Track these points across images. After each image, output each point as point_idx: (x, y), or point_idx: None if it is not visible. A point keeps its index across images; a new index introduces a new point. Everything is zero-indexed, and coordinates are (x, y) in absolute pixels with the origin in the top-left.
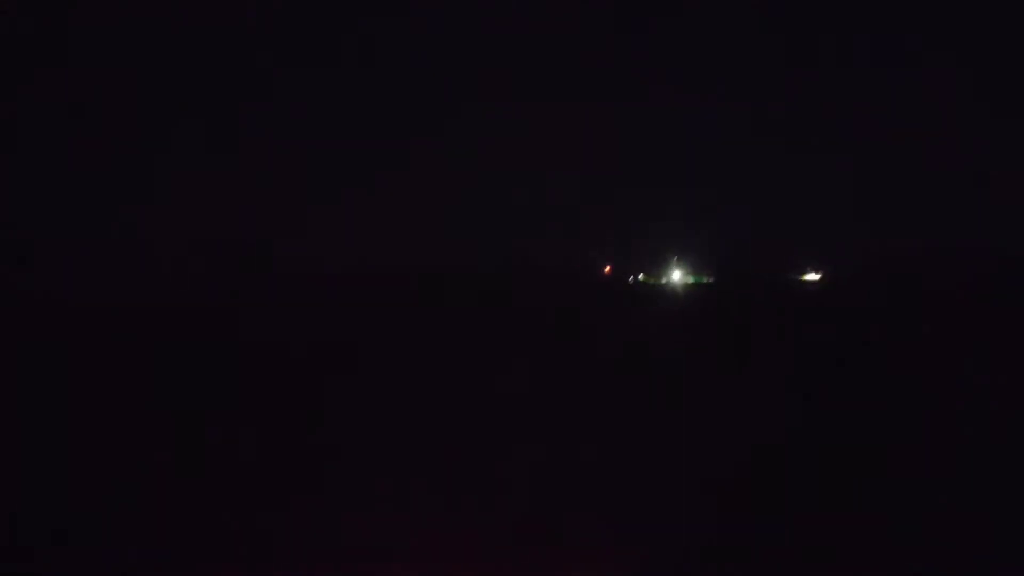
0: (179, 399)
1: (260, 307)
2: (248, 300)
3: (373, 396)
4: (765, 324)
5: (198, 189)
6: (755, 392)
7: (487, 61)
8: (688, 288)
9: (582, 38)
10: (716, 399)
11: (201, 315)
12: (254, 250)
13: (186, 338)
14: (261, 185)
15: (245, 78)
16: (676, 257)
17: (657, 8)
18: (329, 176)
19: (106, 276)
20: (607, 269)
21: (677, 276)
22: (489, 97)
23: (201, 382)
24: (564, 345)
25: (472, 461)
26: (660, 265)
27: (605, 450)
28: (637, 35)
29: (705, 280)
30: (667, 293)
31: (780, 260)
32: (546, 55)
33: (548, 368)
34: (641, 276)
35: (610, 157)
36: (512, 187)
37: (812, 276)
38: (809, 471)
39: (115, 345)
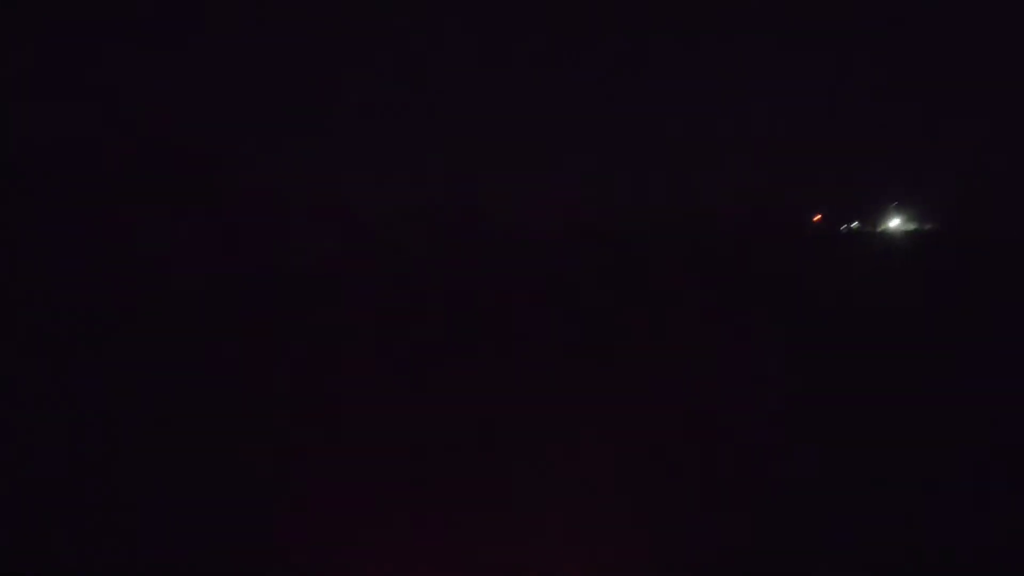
0: None
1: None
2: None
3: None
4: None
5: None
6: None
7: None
8: (908, 236)
9: None
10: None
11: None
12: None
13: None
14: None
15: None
16: (895, 203)
17: None
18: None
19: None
20: (817, 217)
21: (895, 223)
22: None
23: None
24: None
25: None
26: (877, 212)
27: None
28: None
29: (927, 227)
30: (885, 243)
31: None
32: None
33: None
34: (855, 224)
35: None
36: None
37: None
38: None
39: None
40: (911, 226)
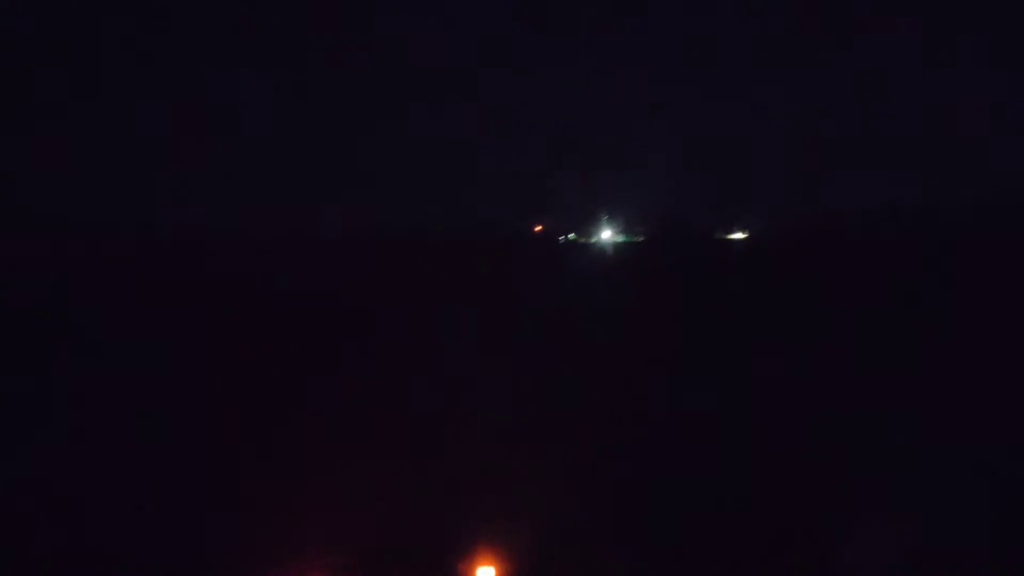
0: None
1: None
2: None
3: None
4: (703, 284)
5: None
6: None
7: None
8: (619, 246)
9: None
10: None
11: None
12: None
13: None
14: None
15: None
16: (606, 216)
17: None
18: None
19: None
20: (537, 228)
21: (608, 235)
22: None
23: None
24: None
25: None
26: (590, 224)
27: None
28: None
29: (636, 238)
30: (598, 252)
31: (708, 217)
32: None
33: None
34: (571, 235)
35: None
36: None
37: (739, 234)
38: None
39: None
40: (621, 236)
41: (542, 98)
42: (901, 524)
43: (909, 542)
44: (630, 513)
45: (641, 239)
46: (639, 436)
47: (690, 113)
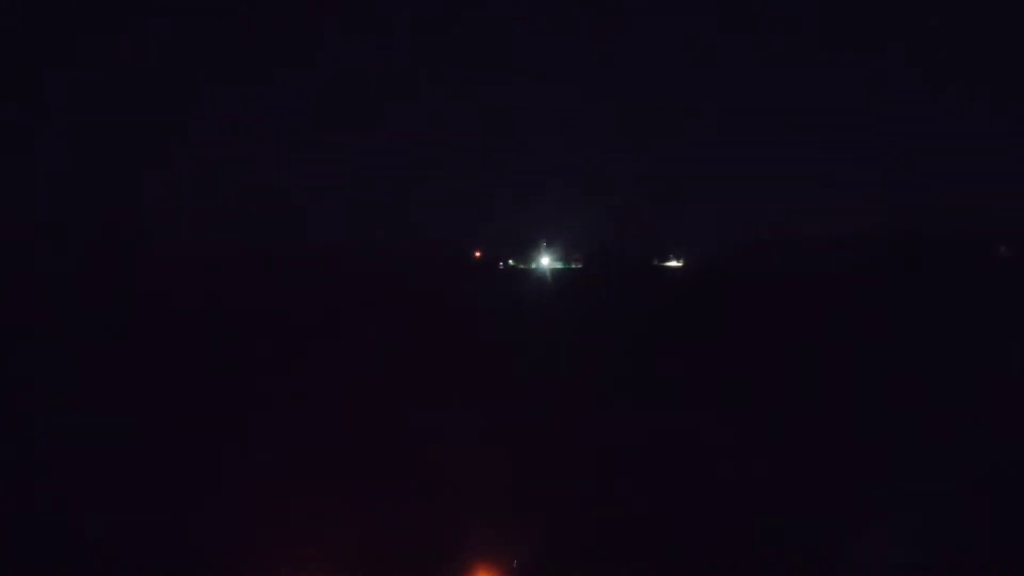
0: None
1: None
2: None
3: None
4: (638, 311)
5: None
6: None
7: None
8: (557, 273)
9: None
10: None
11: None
12: None
13: None
14: None
15: None
16: (544, 243)
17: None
18: None
19: None
20: (477, 254)
21: (546, 261)
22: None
23: None
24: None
25: None
26: (529, 251)
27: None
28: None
29: (573, 265)
30: (537, 277)
31: (644, 245)
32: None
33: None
34: (511, 261)
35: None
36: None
37: (674, 263)
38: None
39: None
40: (558, 264)
41: (478, 120)
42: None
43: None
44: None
45: (578, 266)
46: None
47: (623, 139)
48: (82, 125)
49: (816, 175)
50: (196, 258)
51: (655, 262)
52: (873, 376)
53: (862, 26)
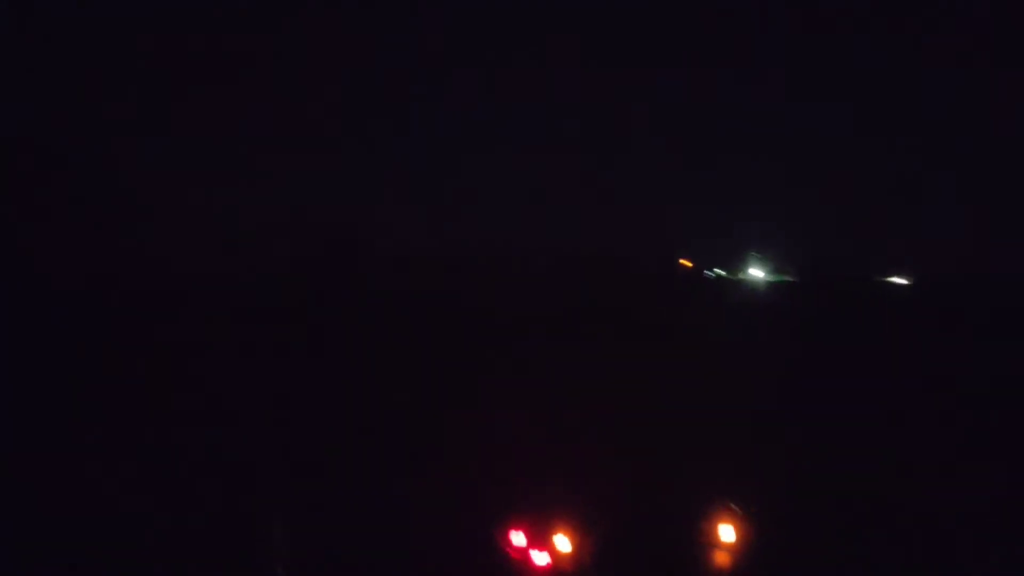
0: None
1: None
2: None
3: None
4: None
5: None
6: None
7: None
8: (769, 286)
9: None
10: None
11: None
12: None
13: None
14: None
15: None
16: (756, 252)
17: None
18: None
19: None
20: (684, 262)
21: (757, 272)
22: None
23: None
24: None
25: None
26: (739, 260)
27: None
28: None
29: (787, 278)
30: (748, 290)
31: (865, 260)
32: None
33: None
34: (717, 270)
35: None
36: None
37: (899, 280)
38: None
39: None
40: (771, 275)
41: (681, 120)
42: None
43: None
44: None
45: (793, 279)
46: None
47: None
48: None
49: None
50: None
51: (876, 278)
52: None
53: None
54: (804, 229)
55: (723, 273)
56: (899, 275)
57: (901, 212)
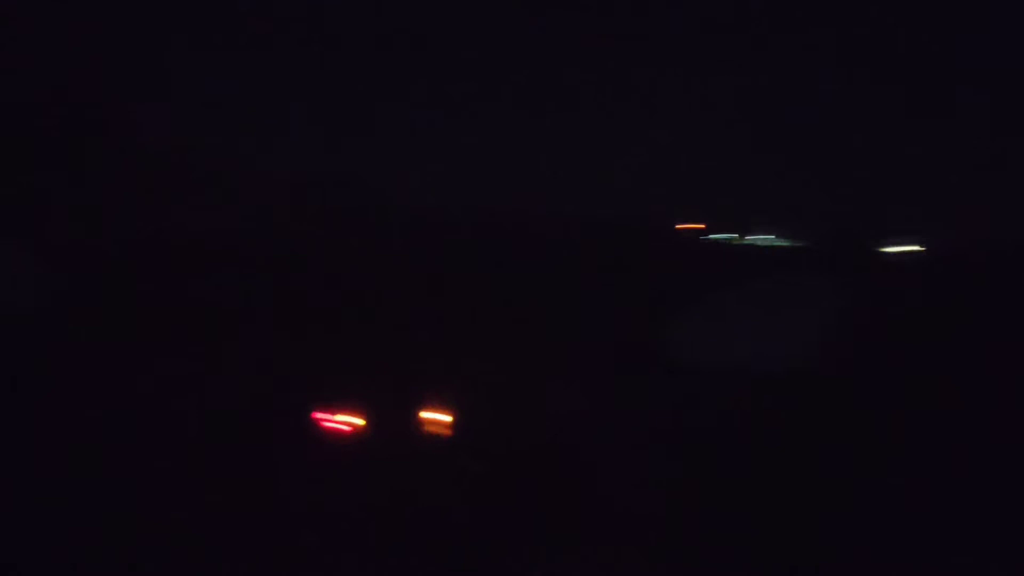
0: None
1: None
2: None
3: None
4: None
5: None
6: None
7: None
8: (772, 251)
9: None
10: None
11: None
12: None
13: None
14: None
15: None
16: (756, 215)
17: None
18: None
19: None
20: (688, 225)
21: (757, 237)
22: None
23: None
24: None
25: None
26: (738, 223)
27: None
28: None
29: (795, 243)
30: (749, 255)
31: (870, 224)
32: None
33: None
34: (732, 236)
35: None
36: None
37: (909, 247)
38: None
39: None
40: (775, 239)
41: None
42: None
43: None
44: None
45: (801, 244)
46: None
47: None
48: None
49: None
50: None
51: (883, 247)
52: None
53: None
54: (812, 194)
55: (731, 238)
56: (912, 242)
57: (913, 178)
